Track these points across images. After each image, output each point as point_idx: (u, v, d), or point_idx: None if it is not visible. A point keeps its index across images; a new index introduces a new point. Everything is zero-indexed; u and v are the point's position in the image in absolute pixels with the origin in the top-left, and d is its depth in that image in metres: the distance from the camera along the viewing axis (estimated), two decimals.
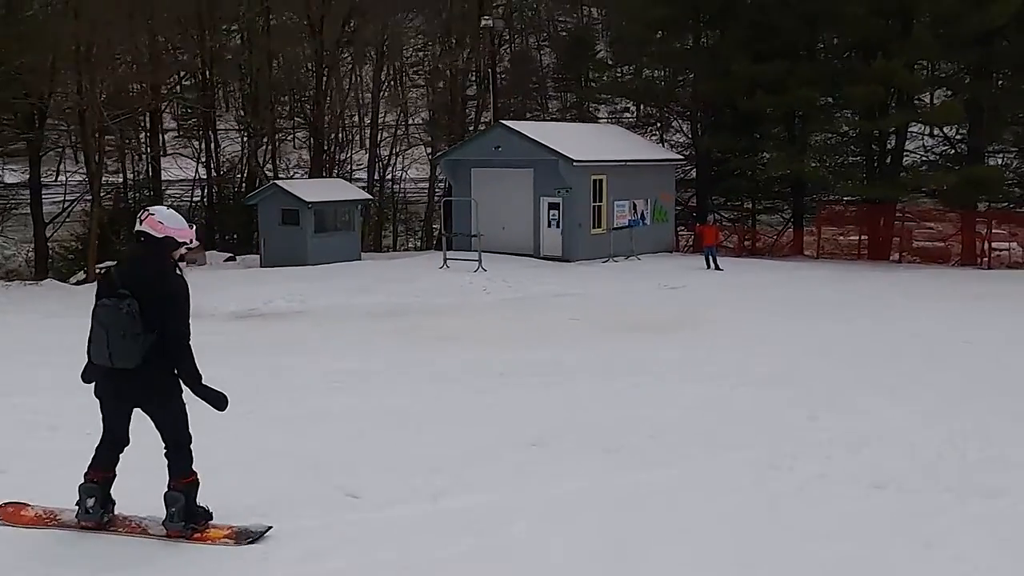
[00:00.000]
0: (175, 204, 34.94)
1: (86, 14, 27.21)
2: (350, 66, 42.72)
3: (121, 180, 37.82)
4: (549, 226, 29.32)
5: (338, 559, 5.39)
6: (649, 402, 9.94)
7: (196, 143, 40.90)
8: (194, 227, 5.68)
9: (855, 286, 23.04)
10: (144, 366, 5.27)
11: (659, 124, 41.21)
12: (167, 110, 44.55)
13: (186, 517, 5.55)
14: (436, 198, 39.54)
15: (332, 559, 5.39)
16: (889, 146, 32.76)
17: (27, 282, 26.46)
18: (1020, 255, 28.97)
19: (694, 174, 36.72)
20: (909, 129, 33.09)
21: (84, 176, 32.62)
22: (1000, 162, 34.26)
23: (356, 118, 44.06)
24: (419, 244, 40.45)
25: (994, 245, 29.05)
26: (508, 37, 53.98)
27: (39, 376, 11.02)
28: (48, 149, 34.48)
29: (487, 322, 17.66)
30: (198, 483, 5.61)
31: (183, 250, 5.59)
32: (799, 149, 33.16)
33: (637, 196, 30.70)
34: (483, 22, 38.51)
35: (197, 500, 5.63)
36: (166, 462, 5.57)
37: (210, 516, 5.71)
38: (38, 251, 31.23)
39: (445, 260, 26.28)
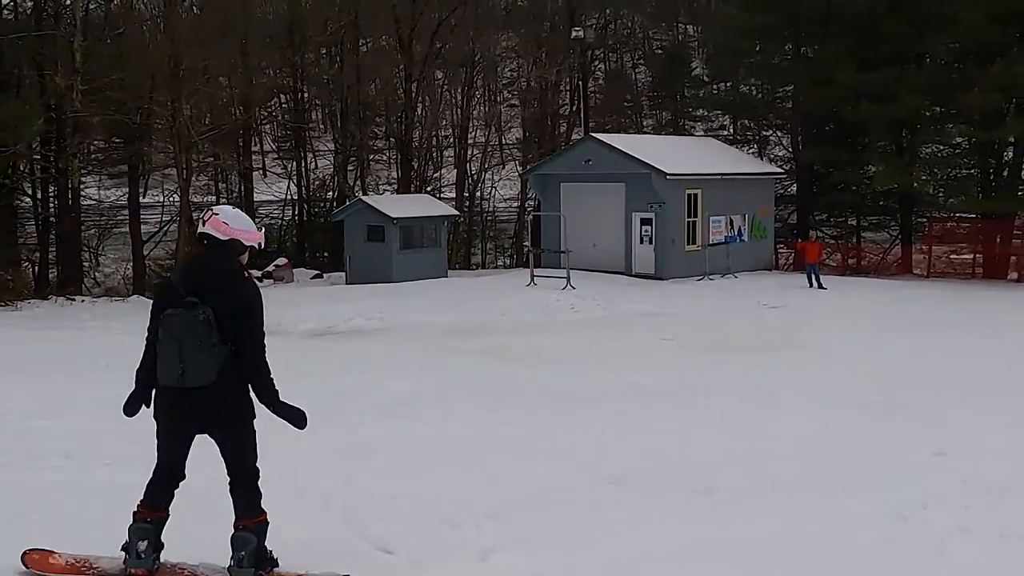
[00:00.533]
0: (266, 223, 35.21)
1: (176, 33, 27.66)
2: (442, 83, 42.47)
3: (214, 199, 38.24)
4: (641, 242, 28.52)
5: None
6: (746, 434, 8.83)
7: (288, 163, 41.18)
8: (262, 229, 4.93)
9: (969, 307, 21.81)
10: (217, 383, 4.51)
11: (757, 138, 40.08)
12: (264, 130, 45.10)
13: (255, 563, 4.70)
14: (526, 214, 38.96)
15: None
16: (1006, 158, 31.42)
17: (114, 298, 26.55)
18: None
19: (794, 189, 36.04)
20: None
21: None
22: None
23: (447, 135, 43.74)
24: (508, 261, 40.10)
25: None
26: (602, 54, 53.20)
27: (80, 392, 10.41)
28: (152, 169, 35.09)
29: (572, 342, 16.83)
30: (267, 523, 4.79)
31: (246, 255, 4.85)
32: (907, 161, 31.92)
33: (734, 211, 29.79)
34: (573, 34, 38.27)
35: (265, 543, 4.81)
36: (231, 499, 4.77)
37: (276, 563, 4.86)
38: (136, 269, 31.68)
39: (532, 277, 25.57)
